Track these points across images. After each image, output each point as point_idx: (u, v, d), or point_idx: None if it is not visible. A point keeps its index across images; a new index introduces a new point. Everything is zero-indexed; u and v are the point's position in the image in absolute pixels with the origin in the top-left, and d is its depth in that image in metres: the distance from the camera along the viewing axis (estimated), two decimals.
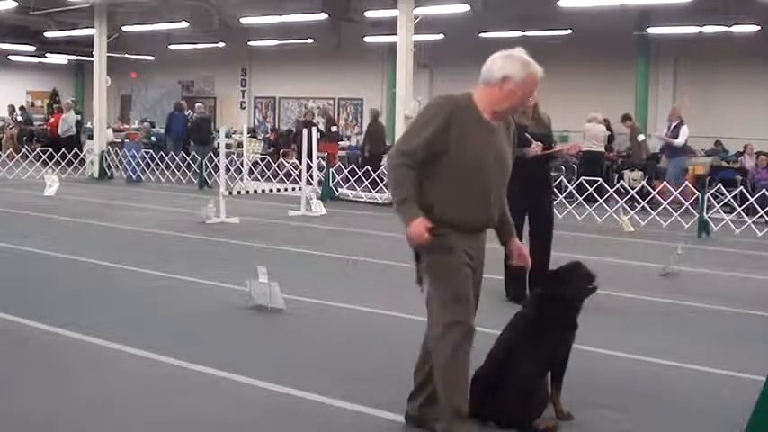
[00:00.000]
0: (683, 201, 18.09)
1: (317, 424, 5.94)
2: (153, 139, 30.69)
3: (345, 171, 22.56)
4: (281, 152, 27.07)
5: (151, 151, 26.13)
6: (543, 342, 5.82)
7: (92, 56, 27.06)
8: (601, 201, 19.30)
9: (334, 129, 27.62)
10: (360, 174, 22.28)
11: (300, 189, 18.56)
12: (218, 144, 18.03)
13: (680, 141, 20.72)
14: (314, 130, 19.34)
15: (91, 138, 27.72)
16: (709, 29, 24.02)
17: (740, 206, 18.12)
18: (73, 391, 6.47)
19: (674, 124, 21.05)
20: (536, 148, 9.24)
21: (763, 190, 18.07)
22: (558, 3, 21.78)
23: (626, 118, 23.64)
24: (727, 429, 5.68)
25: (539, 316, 5.94)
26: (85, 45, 29.95)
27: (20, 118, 34.37)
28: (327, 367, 7.24)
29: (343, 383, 6.71)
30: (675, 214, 17.45)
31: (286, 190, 19.42)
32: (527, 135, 9.15)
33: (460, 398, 5.41)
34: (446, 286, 5.35)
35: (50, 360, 7.27)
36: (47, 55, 36.72)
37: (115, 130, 31.83)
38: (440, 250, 5.32)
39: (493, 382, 5.80)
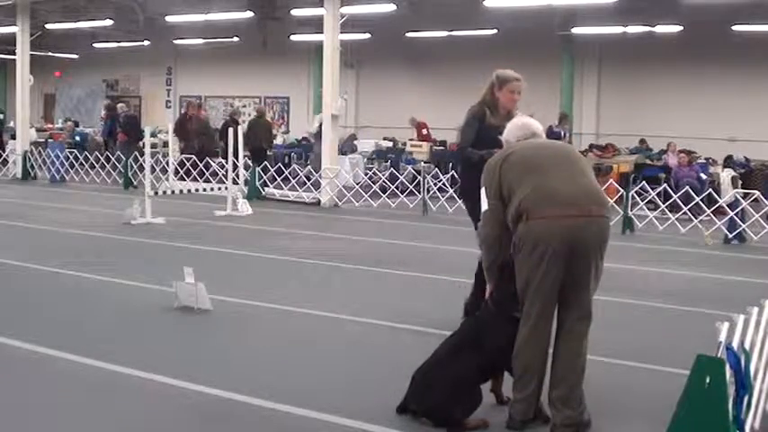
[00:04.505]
0: (608, 198, 18.24)
1: (243, 425, 5.90)
2: (77, 138, 30.29)
3: (272, 170, 22.42)
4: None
5: (75, 151, 25.79)
6: (487, 344, 5.89)
7: (14, 54, 26.62)
8: None
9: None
10: (287, 173, 22.20)
11: (227, 188, 18.43)
12: (144, 143, 17.82)
13: None
14: (239, 129, 19.17)
15: (14, 137, 27.34)
16: (633, 29, 24.36)
17: (664, 203, 18.37)
18: None
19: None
20: None
21: (686, 187, 18.34)
22: (484, 3, 21.90)
23: (563, 117, 23.84)
24: (651, 423, 5.74)
25: (483, 317, 6.04)
26: (8, 43, 29.44)
27: None
28: (254, 368, 7.19)
29: (271, 384, 6.67)
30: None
31: (212, 189, 19.27)
32: (499, 137, 7.80)
33: None
34: None
35: None
36: None
37: (38, 130, 31.38)
38: None
39: (430, 381, 5.84)
